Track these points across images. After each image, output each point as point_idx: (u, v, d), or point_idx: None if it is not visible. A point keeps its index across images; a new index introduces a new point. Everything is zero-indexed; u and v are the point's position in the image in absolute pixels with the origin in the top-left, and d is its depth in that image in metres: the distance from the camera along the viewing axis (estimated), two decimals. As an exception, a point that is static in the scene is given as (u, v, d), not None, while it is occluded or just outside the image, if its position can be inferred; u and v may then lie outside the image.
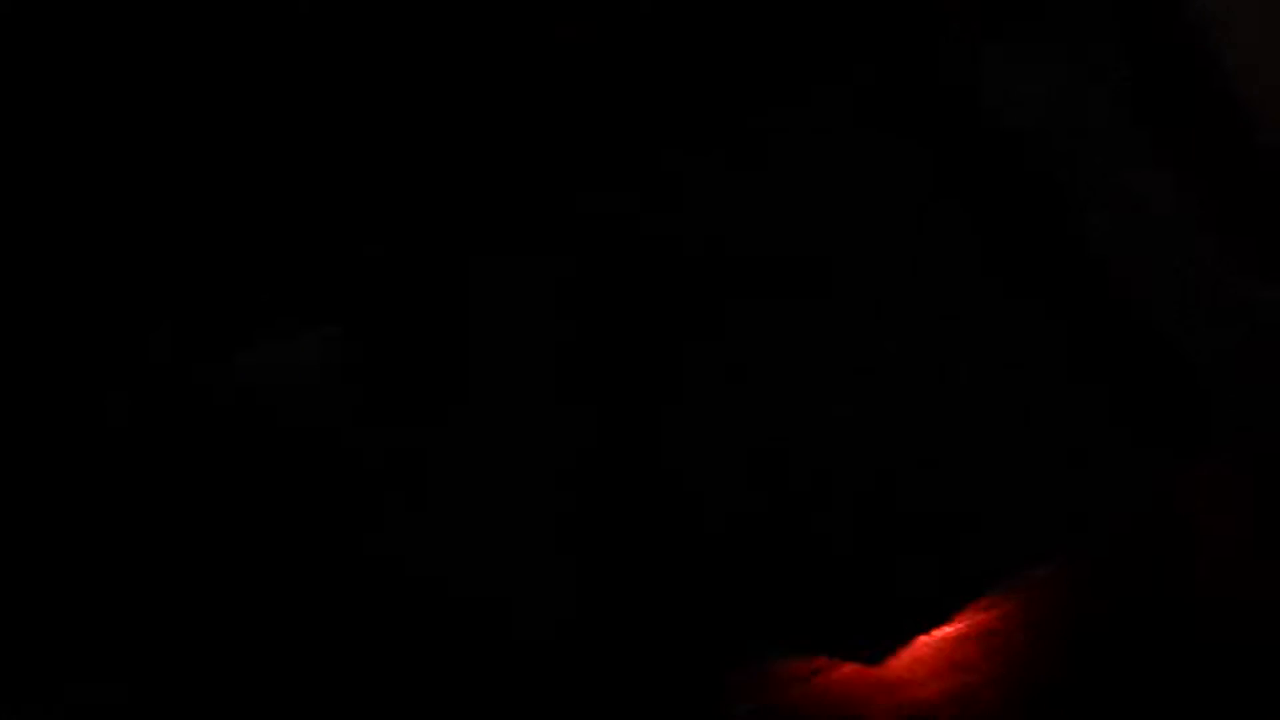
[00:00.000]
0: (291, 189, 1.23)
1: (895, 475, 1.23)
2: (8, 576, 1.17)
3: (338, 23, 1.22)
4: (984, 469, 1.21)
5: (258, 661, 1.18)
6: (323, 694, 1.18)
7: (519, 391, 1.22)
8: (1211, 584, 1.34)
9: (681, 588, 1.23)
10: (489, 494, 1.21)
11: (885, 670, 1.30)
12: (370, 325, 1.21)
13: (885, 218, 1.22)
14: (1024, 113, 1.21)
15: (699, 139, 1.25)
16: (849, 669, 1.31)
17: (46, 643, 1.18)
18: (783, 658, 1.29)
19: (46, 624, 1.17)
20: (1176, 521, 1.34)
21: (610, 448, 1.21)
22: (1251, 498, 1.36)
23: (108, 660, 1.17)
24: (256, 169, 1.22)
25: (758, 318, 1.22)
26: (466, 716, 1.21)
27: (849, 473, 1.22)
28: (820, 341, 1.23)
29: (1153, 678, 1.29)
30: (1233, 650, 1.30)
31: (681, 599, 1.23)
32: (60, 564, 1.17)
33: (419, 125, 1.24)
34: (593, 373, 1.22)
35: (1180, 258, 1.21)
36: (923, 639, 1.30)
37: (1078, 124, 1.22)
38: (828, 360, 1.23)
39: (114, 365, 1.19)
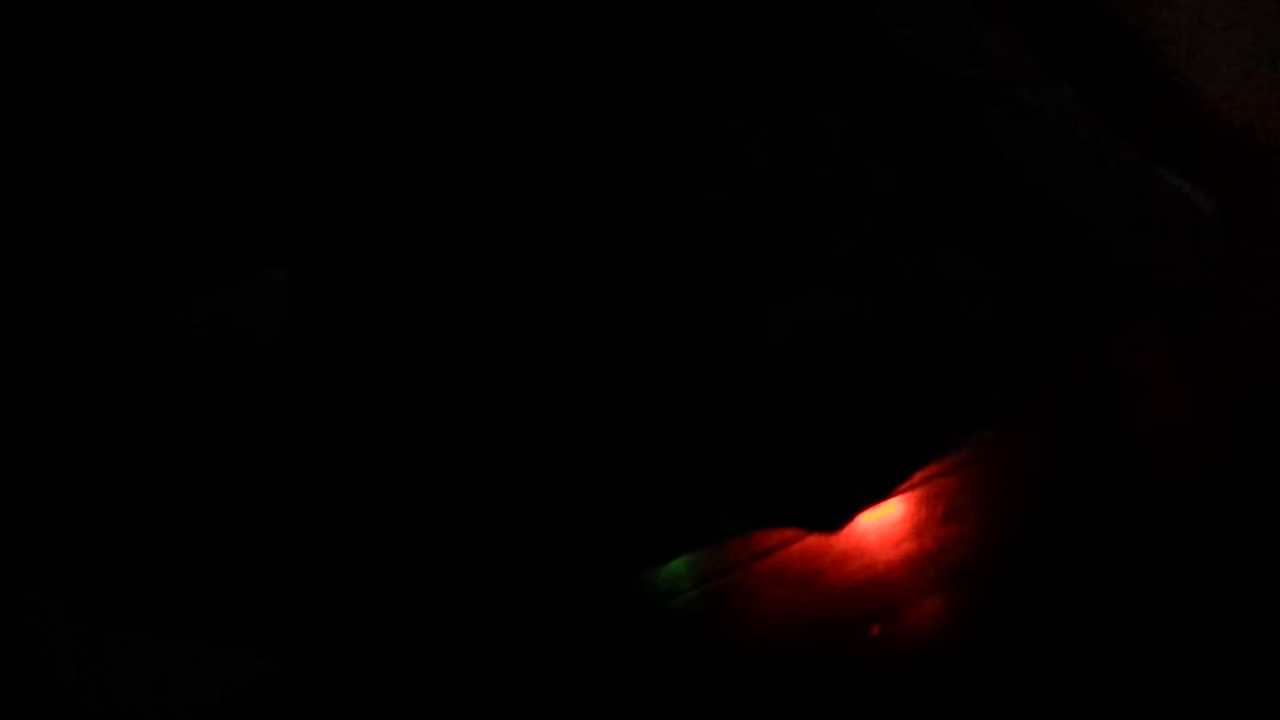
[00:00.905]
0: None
1: (840, 359, 1.31)
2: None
3: None
4: (916, 350, 1.29)
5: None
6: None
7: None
8: (1156, 452, 1.41)
9: (657, 470, 1.32)
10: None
11: (839, 541, 1.39)
12: (320, 266, 1.26)
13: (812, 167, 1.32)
14: (930, 49, 1.28)
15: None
16: (808, 542, 1.39)
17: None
18: (748, 532, 1.39)
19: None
20: (1120, 392, 1.42)
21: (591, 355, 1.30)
22: (1201, 368, 1.43)
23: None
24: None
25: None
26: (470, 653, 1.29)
27: (799, 364, 1.31)
28: (771, 252, 1.32)
29: (1090, 539, 1.37)
30: (1171, 518, 1.37)
31: (655, 469, 1.32)
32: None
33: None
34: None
35: (1084, 153, 1.29)
36: (876, 510, 1.39)
37: (979, 55, 1.29)
38: (784, 261, 1.31)
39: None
